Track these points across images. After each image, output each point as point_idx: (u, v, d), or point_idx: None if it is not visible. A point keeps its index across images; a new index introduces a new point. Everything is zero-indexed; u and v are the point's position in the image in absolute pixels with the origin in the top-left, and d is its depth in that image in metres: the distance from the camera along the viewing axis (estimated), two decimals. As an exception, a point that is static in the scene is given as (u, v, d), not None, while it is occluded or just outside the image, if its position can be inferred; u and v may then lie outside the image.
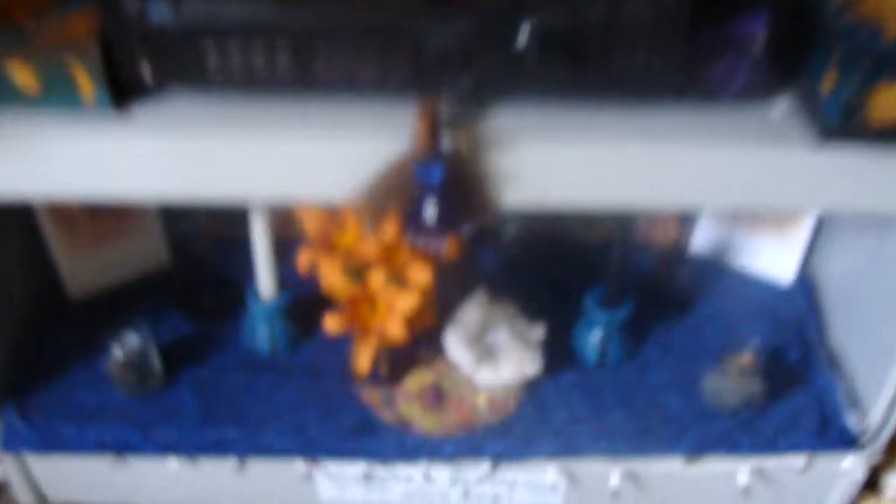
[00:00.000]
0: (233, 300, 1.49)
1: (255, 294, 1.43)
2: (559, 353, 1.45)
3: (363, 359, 1.26)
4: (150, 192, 1.06)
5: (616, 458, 1.38)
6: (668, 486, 1.42)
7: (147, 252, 1.53)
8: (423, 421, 1.38)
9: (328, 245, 1.27)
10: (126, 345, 1.36)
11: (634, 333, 1.48)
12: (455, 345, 1.42)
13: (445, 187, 0.99)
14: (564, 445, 1.37)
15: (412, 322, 1.25)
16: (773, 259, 1.55)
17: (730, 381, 1.37)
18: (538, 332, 1.43)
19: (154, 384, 1.40)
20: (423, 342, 1.46)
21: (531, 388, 1.43)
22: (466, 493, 1.42)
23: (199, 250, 1.55)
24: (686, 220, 1.58)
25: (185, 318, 1.50)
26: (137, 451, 1.36)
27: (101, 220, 1.47)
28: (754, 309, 1.53)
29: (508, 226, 1.58)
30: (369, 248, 1.24)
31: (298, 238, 1.27)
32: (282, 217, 1.32)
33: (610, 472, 1.40)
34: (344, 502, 1.43)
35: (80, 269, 1.48)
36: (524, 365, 1.40)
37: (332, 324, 1.24)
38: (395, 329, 1.24)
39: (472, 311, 1.44)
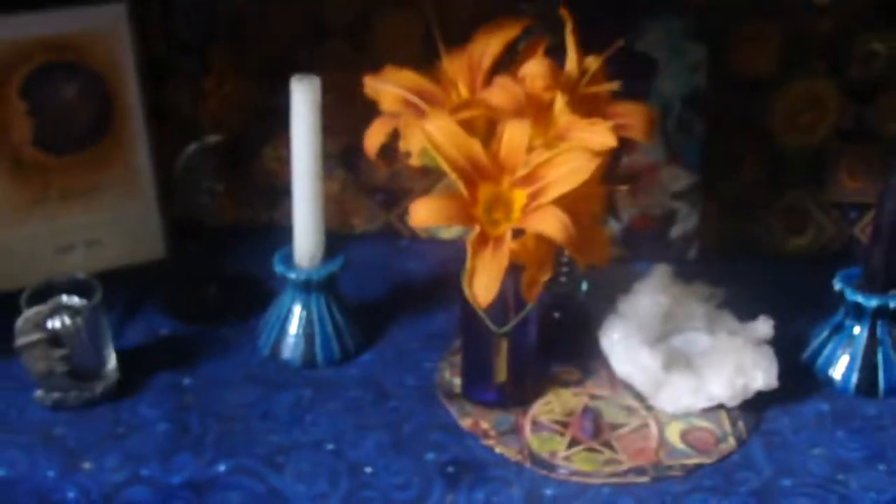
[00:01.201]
0: (251, 305, 0.93)
1: (286, 257, 0.86)
2: (792, 379, 0.84)
3: (485, 278, 0.66)
4: None
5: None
6: None
7: (131, 230, 1.01)
8: (574, 460, 0.76)
9: (420, 107, 0.73)
10: (55, 317, 0.78)
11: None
12: (624, 346, 0.82)
13: None
14: (837, 509, 0.73)
15: (579, 233, 0.67)
16: None
17: None
18: (766, 326, 0.83)
19: (99, 392, 0.81)
20: (559, 349, 0.87)
21: (758, 420, 0.81)
22: None
23: (210, 240, 1.01)
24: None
25: (172, 320, 0.93)
26: (53, 503, 0.75)
27: (63, 164, 0.97)
28: None
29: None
30: (502, 95, 0.69)
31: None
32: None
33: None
34: None
35: (20, 243, 0.96)
36: (750, 374, 0.79)
37: (424, 212, 0.66)
38: (551, 220, 0.65)
39: (648, 299, 0.85)
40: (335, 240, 0.89)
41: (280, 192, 1.01)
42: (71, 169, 0.97)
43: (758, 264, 1.03)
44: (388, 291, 0.98)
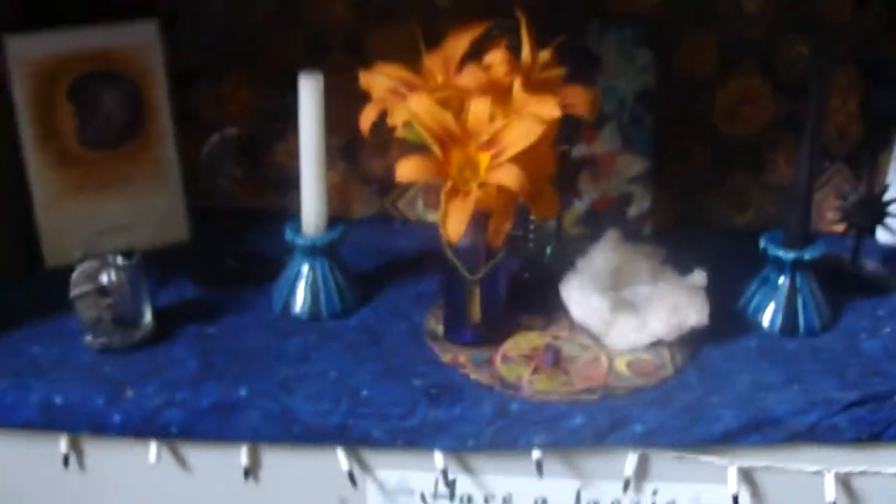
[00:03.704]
0: (264, 274, 1.08)
1: (295, 227, 1.02)
2: (727, 323, 0.99)
3: (454, 219, 0.82)
4: None
5: (831, 441, 0.88)
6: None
7: (161, 215, 1.16)
8: (536, 384, 0.91)
9: (404, 93, 0.89)
10: (104, 272, 0.94)
11: (831, 304, 1.02)
12: (580, 293, 0.97)
13: None
14: (751, 418, 0.87)
15: (531, 186, 0.83)
16: None
17: None
18: (699, 276, 0.98)
19: (139, 337, 0.96)
20: (527, 303, 1.02)
21: (694, 353, 0.95)
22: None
23: (228, 222, 1.16)
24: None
25: (198, 287, 1.08)
26: (101, 424, 0.90)
27: (103, 157, 1.12)
28: None
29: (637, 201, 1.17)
30: (469, 78, 0.85)
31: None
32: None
33: (823, 474, 0.89)
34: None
35: (67, 225, 1.11)
36: (684, 313, 0.94)
37: (408, 169, 0.82)
38: (508, 173, 0.81)
39: (599, 256, 1.01)
40: (336, 222, 1.04)
41: (289, 182, 1.16)
42: (109, 162, 1.11)
43: (705, 238, 1.17)
44: (383, 264, 1.13)
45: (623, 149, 1.14)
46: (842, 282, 1.08)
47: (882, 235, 1.14)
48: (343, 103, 0.96)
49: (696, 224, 1.21)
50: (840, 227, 1.11)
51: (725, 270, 1.03)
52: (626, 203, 1.16)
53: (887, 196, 1.10)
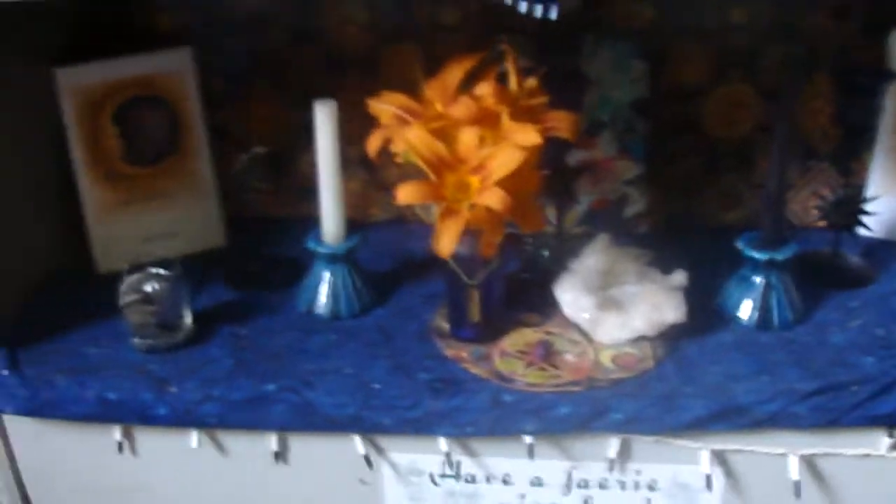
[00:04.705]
0: (291, 277, 1.20)
1: (317, 236, 1.13)
2: (706, 318, 1.09)
3: (446, 236, 0.94)
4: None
5: (792, 426, 0.98)
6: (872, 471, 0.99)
7: (198, 224, 1.28)
8: (529, 376, 1.02)
9: (407, 119, 0.99)
10: (148, 283, 1.07)
11: (804, 297, 1.11)
12: (570, 293, 1.08)
13: None
14: (719, 407, 0.98)
15: (517, 202, 0.93)
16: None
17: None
18: (680, 276, 1.08)
19: (180, 339, 1.09)
20: (526, 301, 1.12)
21: (673, 347, 1.06)
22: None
23: (259, 229, 1.28)
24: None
25: (232, 289, 1.20)
26: (149, 416, 1.03)
27: (145, 173, 1.24)
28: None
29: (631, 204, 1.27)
30: (461, 109, 0.96)
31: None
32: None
33: (787, 456, 0.99)
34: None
35: (115, 234, 1.23)
36: (663, 311, 1.04)
37: (406, 193, 0.93)
38: (493, 195, 0.92)
39: (591, 258, 1.11)
40: (356, 226, 1.15)
41: (312, 190, 1.26)
42: (151, 177, 1.23)
43: (697, 236, 1.27)
44: (398, 265, 1.24)
45: (619, 154, 1.24)
46: (822, 275, 1.17)
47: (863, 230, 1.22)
48: (361, 118, 1.06)
49: (689, 223, 1.30)
50: (823, 223, 1.20)
51: (711, 267, 1.13)
52: (622, 204, 1.26)
53: (864, 195, 1.19)
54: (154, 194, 1.25)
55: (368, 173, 1.32)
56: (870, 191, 1.23)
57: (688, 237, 1.26)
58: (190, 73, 1.22)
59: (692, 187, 1.30)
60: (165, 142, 1.23)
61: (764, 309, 1.09)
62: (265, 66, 1.28)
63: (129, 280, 1.05)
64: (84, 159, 1.20)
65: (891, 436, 0.98)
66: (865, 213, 1.16)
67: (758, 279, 1.10)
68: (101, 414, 1.03)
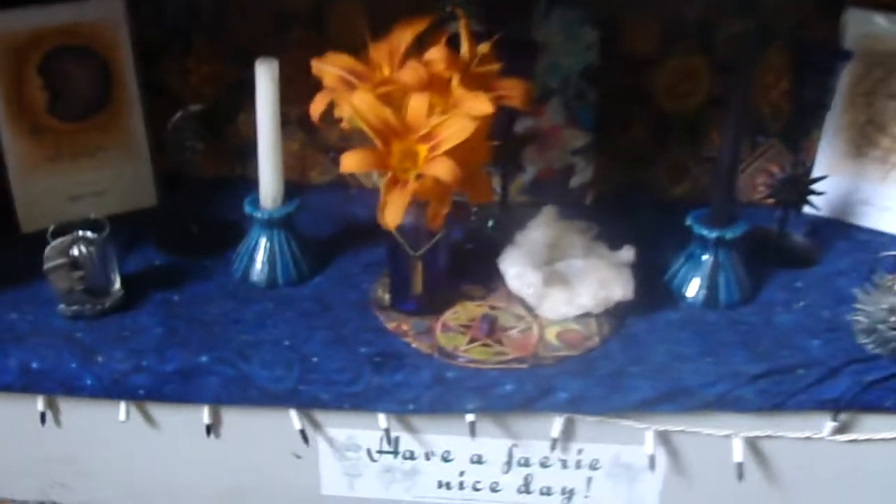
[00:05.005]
0: (226, 241, 1.15)
1: (254, 200, 1.09)
2: (654, 296, 1.07)
3: (393, 208, 0.90)
4: None
5: (738, 409, 0.97)
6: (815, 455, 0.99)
7: (129, 182, 1.23)
8: (472, 352, 0.99)
9: (352, 82, 0.95)
10: (74, 246, 1.01)
11: (752, 277, 1.10)
12: (515, 266, 1.05)
13: None
14: (665, 388, 0.96)
15: (466, 172, 0.90)
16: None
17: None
18: (627, 253, 1.06)
19: (108, 305, 1.03)
20: (469, 273, 1.09)
21: (620, 325, 1.04)
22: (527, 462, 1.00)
23: (193, 190, 1.23)
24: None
25: (164, 253, 1.15)
26: (75, 386, 0.98)
27: (73, 128, 1.18)
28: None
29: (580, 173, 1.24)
30: (410, 74, 0.91)
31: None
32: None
33: (732, 438, 0.98)
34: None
35: (39, 192, 1.17)
36: (610, 288, 1.02)
37: (351, 161, 0.89)
38: (443, 166, 0.88)
39: (537, 230, 1.08)
40: (294, 189, 1.11)
41: (250, 150, 1.21)
42: (79, 133, 1.17)
43: (644, 208, 1.25)
44: (338, 231, 1.20)
45: (567, 123, 1.21)
46: (768, 254, 1.16)
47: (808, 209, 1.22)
48: (304, 76, 1.01)
49: (637, 194, 1.28)
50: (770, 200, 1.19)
51: (659, 241, 1.11)
52: (569, 174, 1.23)
53: (812, 174, 1.18)
54: (82, 150, 1.19)
55: (308, 134, 1.28)
56: (817, 170, 1.22)
57: (635, 210, 1.24)
58: (122, 23, 1.16)
59: (640, 158, 1.28)
60: (95, 96, 1.17)
61: (712, 287, 1.08)
62: (205, 19, 1.21)
63: (55, 243, 0.99)
64: (6, 112, 1.13)
65: (835, 419, 0.98)
66: (814, 192, 1.15)
67: (706, 257, 1.08)
68: (23, 384, 0.98)
